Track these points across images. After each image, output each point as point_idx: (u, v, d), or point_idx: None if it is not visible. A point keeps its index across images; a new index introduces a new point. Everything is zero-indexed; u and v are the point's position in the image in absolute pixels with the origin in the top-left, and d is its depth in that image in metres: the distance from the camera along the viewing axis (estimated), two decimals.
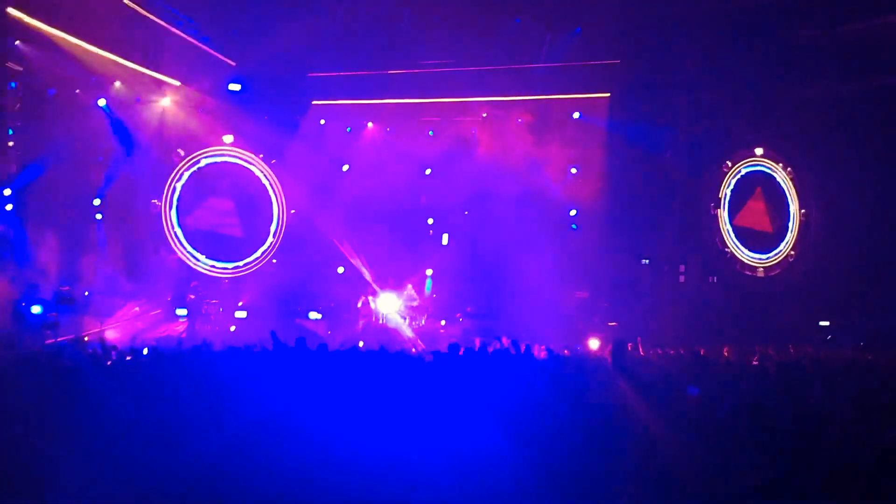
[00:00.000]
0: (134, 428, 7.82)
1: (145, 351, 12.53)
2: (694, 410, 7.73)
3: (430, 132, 22.76)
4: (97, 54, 18.42)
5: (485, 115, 22.37)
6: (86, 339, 16.29)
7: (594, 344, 18.10)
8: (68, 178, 19.00)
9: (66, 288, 17.40)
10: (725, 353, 15.44)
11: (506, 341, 12.41)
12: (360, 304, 21.05)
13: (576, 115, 22.01)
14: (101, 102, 19.48)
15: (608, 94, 21.55)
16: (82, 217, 19.47)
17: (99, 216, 19.65)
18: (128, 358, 10.98)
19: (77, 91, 19.21)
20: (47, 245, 18.09)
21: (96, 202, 19.66)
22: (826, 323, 20.19)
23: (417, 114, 22.60)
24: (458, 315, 21.27)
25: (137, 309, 19.58)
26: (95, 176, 19.86)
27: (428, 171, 22.55)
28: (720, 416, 7.35)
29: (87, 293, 18.57)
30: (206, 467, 7.08)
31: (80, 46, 18.03)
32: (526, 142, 22.08)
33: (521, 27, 19.71)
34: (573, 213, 22.07)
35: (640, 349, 13.69)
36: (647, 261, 21.95)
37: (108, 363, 10.55)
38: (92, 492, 6.98)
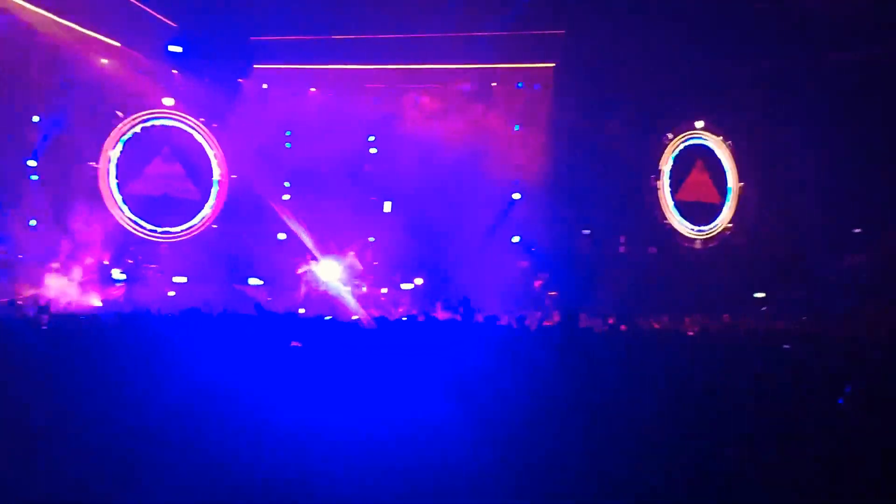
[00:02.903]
0: (70, 394, 7.72)
1: (82, 315, 12.38)
2: (633, 381, 7.85)
3: (374, 99, 22.62)
4: (33, 11, 18.00)
5: (429, 82, 22.30)
6: (20, 302, 16.06)
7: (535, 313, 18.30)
8: (2, 137, 18.58)
9: (1, 250, 17.09)
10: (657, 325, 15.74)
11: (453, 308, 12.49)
12: (301, 271, 20.93)
13: (519, 84, 22.05)
14: (38, 62, 19.02)
15: (553, 65, 21.60)
16: (17, 179, 19.07)
17: (34, 178, 19.24)
18: (64, 321, 10.82)
19: (12, 50, 18.71)
20: None
21: (31, 163, 19.25)
22: (761, 295, 20.52)
23: (362, 80, 22.45)
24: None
25: (73, 273, 19.24)
26: (31, 137, 19.42)
27: (371, 139, 22.47)
28: (660, 386, 7.48)
29: (21, 256, 18.24)
30: (145, 436, 7.01)
31: (15, 3, 17.59)
32: (469, 110, 22.07)
33: None
34: (515, 182, 22.13)
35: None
36: (588, 231, 22.10)
37: (44, 327, 10.40)
38: (25, 460, 6.87)
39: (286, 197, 21.89)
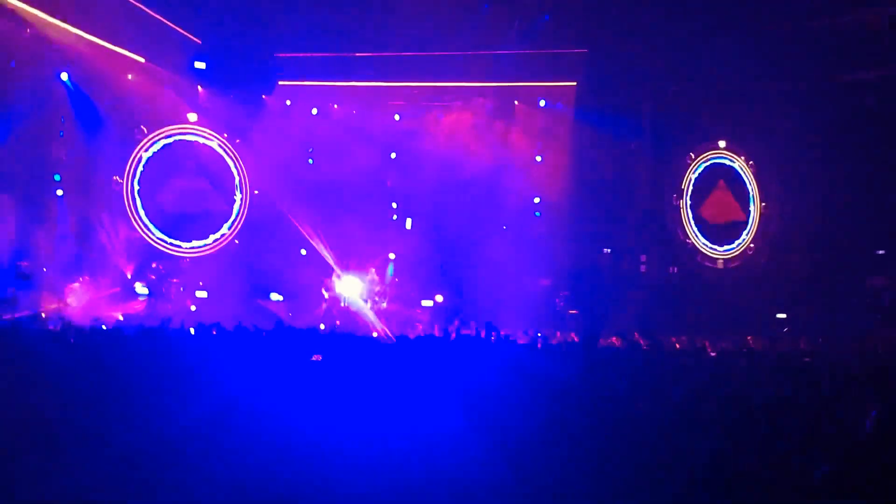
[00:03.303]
0: (92, 406, 7.77)
1: (105, 328, 12.46)
2: (652, 400, 7.82)
3: (397, 116, 22.70)
4: (60, 28, 18.17)
5: (451, 100, 22.37)
6: (44, 315, 16.17)
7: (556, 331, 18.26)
8: (29, 152, 18.73)
9: (25, 263, 17.22)
10: (677, 346, 15.66)
11: (472, 327, 12.48)
12: (322, 287, 20.99)
13: (542, 102, 22.10)
14: (64, 76, 19.22)
15: (575, 83, 21.63)
16: (42, 192, 19.20)
17: (60, 192, 19.40)
18: (86, 335, 10.89)
19: (39, 65, 18.90)
20: (5, 220, 17.88)
21: (57, 178, 19.41)
22: (783, 315, 20.42)
23: (384, 97, 22.54)
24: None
25: (96, 286, 19.37)
26: (56, 151, 19.58)
27: (393, 156, 22.54)
28: (689, 407, 7.45)
29: (45, 269, 18.37)
30: (167, 447, 7.05)
31: (42, 19, 17.78)
32: (492, 128, 22.13)
33: (489, 13, 19.72)
34: (537, 200, 22.15)
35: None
36: (609, 250, 22.07)
37: (67, 340, 10.46)
38: (49, 470, 6.92)
39: (308, 212, 21.93)
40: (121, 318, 18.50)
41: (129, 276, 19.86)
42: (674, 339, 15.82)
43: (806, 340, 17.02)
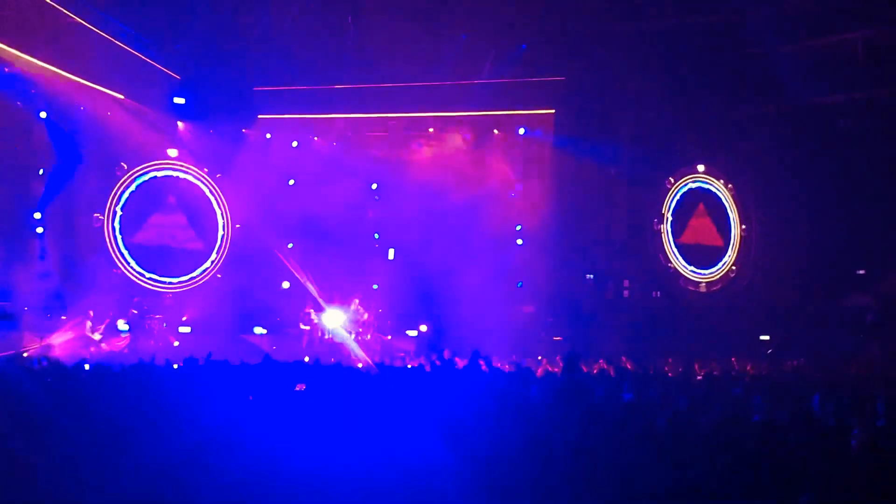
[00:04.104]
0: (75, 446, 7.72)
1: (87, 367, 12.37)
2: (640, 424, 7.83)
3: (377, 147, 22.75)
4: (39, 66, 18.18)
5: (431, 129, 22.46)
6: (25, 354, 16.05)
7: (539, 358, 18.26)
8: (8, 190, 18.70)
9: (5, 303, 17.12)
10: (667, 368, 15.71)
11: (449, 356, 12.46)
12: (305, 320, 20.93)
13: (521, 131, 22.20)
14: (43, 115, 19.19)
15: (553, 111, 21.74)
16: (22, 230, 19.13)
17: (40, 230, 19.32)
18: (68, 373, 10.82)
19: (18, 103, 18.88)
20: None
21: (37, 216, 19.32)
22: (766, 337, 20.50)
23: (364, 129, 22.63)
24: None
25: (78, 324, 19.24)
26: (36, 189, 19.51)
27: (374, 186, 22.58)
28: (674, 431, 7.46)
29: (26, 308, 18.26)
30: (151, 484, 7.01)
31: (21, 57, 17.78)
32: (471, 157, 22.22)
33: (466, 43, 19.87)
34: (518, 227, 22.19)
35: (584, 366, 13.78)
36: (592, 276, 22.13)
37: (49, 380, 10.39)
38: None
39: (290, 245, 21.92)
40: (103, 354, 18.38)
41: (111, 313, 19.70)
42: (658, 365, 15.88)
43: (789, 361, 17.12)
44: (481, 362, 12.01)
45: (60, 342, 18.42)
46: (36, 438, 7.78)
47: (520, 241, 22.26)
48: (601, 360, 16.00)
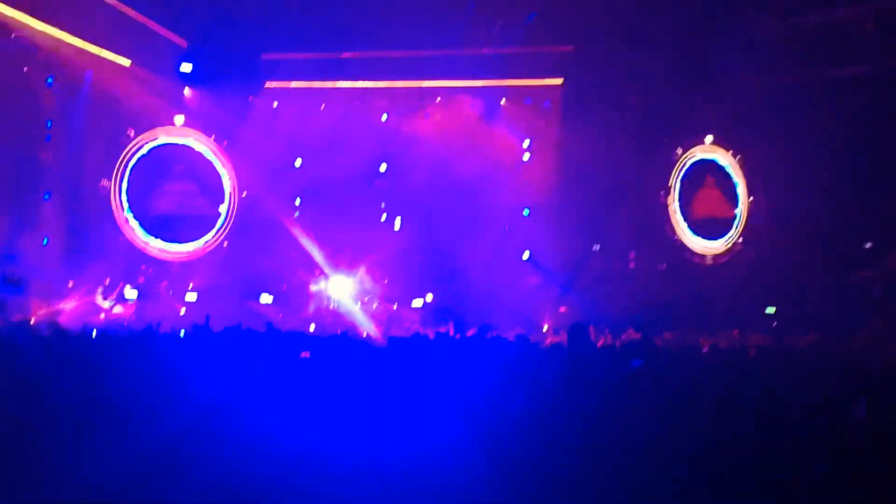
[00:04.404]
0: (81, 411, 7.75)
1: (93, 333, 12.41)
2: (646, 395, 7.83)
3: (384, 116, 22.67)
4: (45, 31, 18.12)
5: (438, 99, 22.37)
6: (32, 321, 16.11)
7: (545, 328, 18.28)
8: (15, 156, 18.68)
9: (12, 269, 17.16)
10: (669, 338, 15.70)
11: (451, 326, 12.48)
12: (311, 288, 20.97)
13: (528, 101, 22.11)
14: (49, 81, 19.16)
15: (561, 81, 21.64)
16: (29, 196, 19.14)
17: (46, 196, 19.33)
18: (75, 339, 10.85)
19: (24, 69, 18.84)
20: None
21: (43, 182, 19.33)
22: (772, 310, 20.46)
23: (371, 98, 22.54)
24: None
25: (85, 290, 19.31)
26: (43, 155, 19.51)
27: (383, 168, 22.47)
28: (676, 402, 7.46)
29: (32, 274, 18.30)
30: (157, 452, 7.04)
31: (27, 23, 17.72)
32: (479, 127, 22.14)
33: (475, 12, 19.74)
34: (525, 204, 22.16)
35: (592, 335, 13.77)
36: (598, 247, 22.07)
37: (56, 345, 10.42)
38: (37, 474, 6.90)
39: (297, 214, 21.91)
40: (110, 321, 18.46)
41: (117, 280, 19.76)
42: (664, 337, 15.87)
43: (795, 334, 17.08)
44: (486, 332, 12.04)
45: (67, 308, 18.50)
46: (42, 404, 7.81)
47: (526, 212, 22.23)
48: (606, 332, 16.03)
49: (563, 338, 13.85)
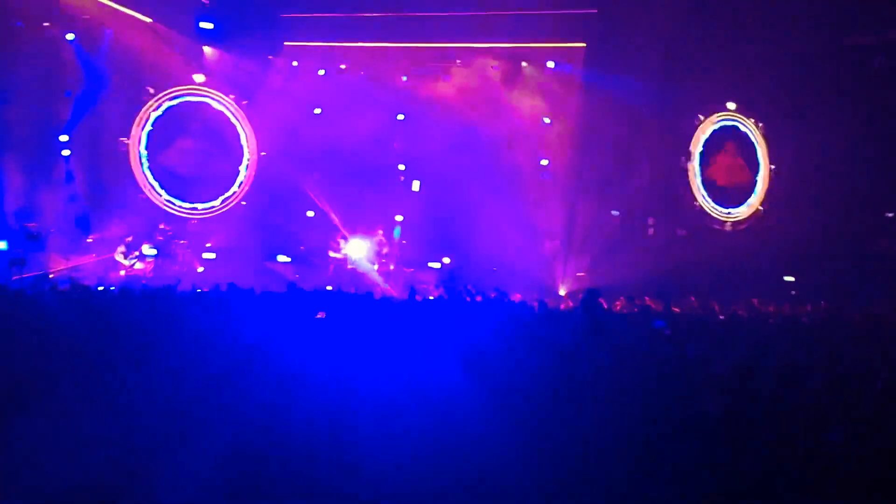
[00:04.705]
0: (102, 366, 7.80)
1: (112, 289, 12.48)
2: (662, 361, 7.82)
3: (404, 77, 22.55)
4: None
5: (458, 61, 22.22)
6: (52, 276, 16.22)
7: (562, 292, 18.27)
8: (35, 113, 18.70)
9: (33, 224, 17.25)
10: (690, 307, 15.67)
11: (469, 289, 12.49)
12: (334, 248, 21.02)
13: (550, 64, 21.95)
14: (70, 37, 19.15)
15: (584, 45, 21.45)
16: (49, 153, 19.20)
17: (66, 152, 19.38)
18: (94, 296, 10.92)
19: (45, 24, 18.83)
20: (13, 181, 17.91)
21: (63, 138, 19.37)
22: (790, 278, 20.38)
23: (391, 58, 22.39)
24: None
25: (104, 247, 19.40)
26: (63, 112, 19.52)
27: (401, 117, 22.38)
28: (689, 368, 7.45)
29: (52, 230, 18.40)
30: (176, 409, 7.10)
31: None
32: (500, 90, 21.99)
33: None
34: (545, 162, 22.05)
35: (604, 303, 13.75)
36: (617, 212, 21.98)
37: (75, 301, 10.49)
38: (58, 428, 6.96)
39: (315, 174, 21.88)
40: (129, 278, 18.57)
41: (136, 238, 19.80)
42: (681, 304, 15.84)
43: (814, 303, 17.03)
44: (501, 296, 12.04)
45: (86, 264, 18.60)
46: (61, 358, 7.86)
47: (546, 171, 22.11)
48: (622, 298, 16.01)
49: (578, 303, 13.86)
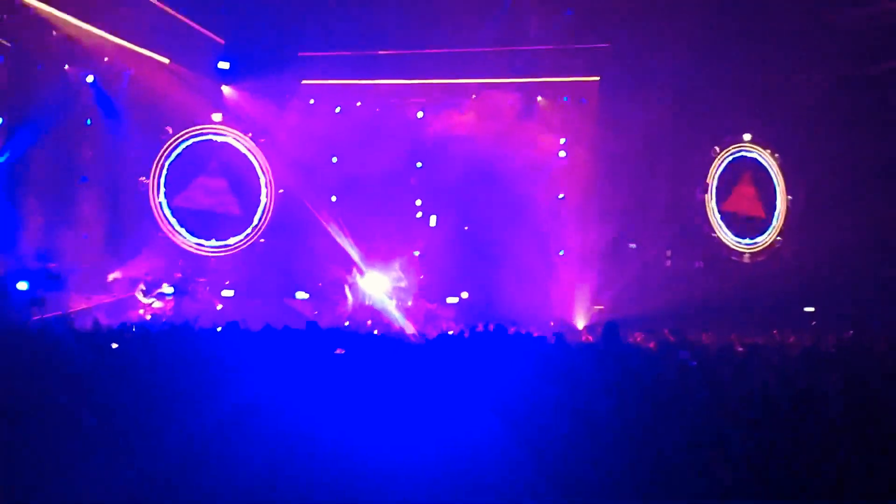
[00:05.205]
0: (121, 405, 7.82)
1: (133, 328, 12.53)
2: (679, 394, 7.78)
3: (420, 113, 22.68)
4: (86, 30, 18.30)
5: (474, 96, 22.34)
6: (72, 315, 16.29)
7: (580, 326, 18.21)
8: (56, 154, 18.88)
9: (54, 265, 17.36)
10: (706, 340, 15.57)
11: (486, 325, 12.48)
12: (347, 285, 21.05)
13: (564, 98, 22.06)
14: (90, 79, 19.38)
15: (598, 78, 21.54)
16: (69, 193, 19.35)
17: (86, 192, 19.55)
18: (114, 339, 10.95)
19: (65, 66, 19.07)
20: (34, 221, 18.04)
21: (83, 179, 19.55)
22: (810, 309, 20.28)
23: (407, 95, 22.54)
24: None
25: (123, 286, 19.49)
26: (83, 152, 19.74)
27: (419, 164, 22.49)
28: (707, 400, 7.41)
29: (72, 270, 18.50)
30: (194, 447, 7.09)
31: (68, 21, 17.91)
32: (514, 124, 22.07)
33: (512, 9, 19.69)
34: (561, 196, 22.08)
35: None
36: (634, 245, 21.96)
37: (94, 340, 10.53)
38: (76, 469, 6.97)
39: (333, 211, 21.99)
40: (147, 316, 18.65)
41: (155, 276, 19.91)
42: (700, 336, 15.76)
43: (834, 334, 16.91)
44: (520, 331, 12.01)
45: (106, 304, 18.69)
46: (80, 398, 7.89)
47: (562, 199, 22.12)
48: (641, 332, 15.94)
49: (597, 336, 13.82)
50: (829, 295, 19.89)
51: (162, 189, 20.66)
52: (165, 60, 20.18)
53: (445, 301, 21.45)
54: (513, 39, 20.39)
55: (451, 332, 15.18)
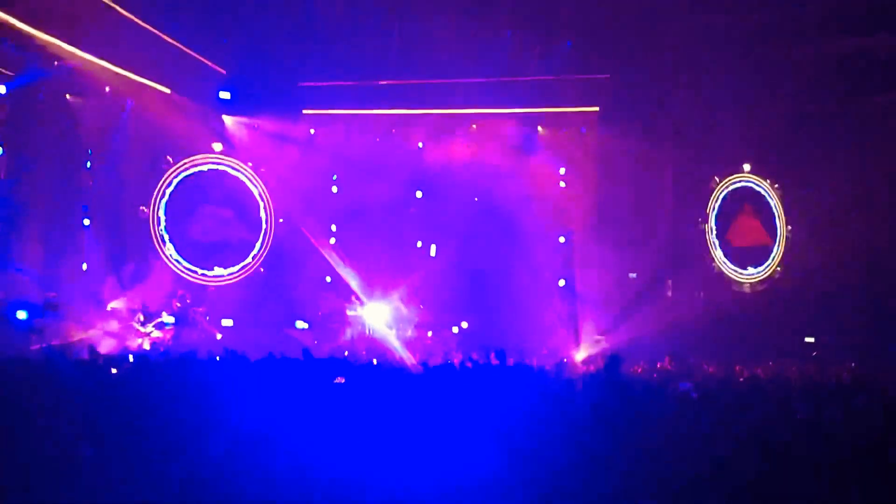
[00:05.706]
0: (120, 435, 7.78)
1: (131, 358, 12.48)
2: (683, 425, 7.74)
3: (420, 143, 22.72)
4: (87, 60, 18.35)
5: (474, 126, 22.38)
6: (71, 345, 16.23)
7: (581, 357, 18.16)
8: (56, 183, 18.92)
9: (53, 294, 17.32)
10: (709, 370, 15.53)
11: (485, 355, 12.43)
12: (347, 314, 21.01)
13: (564, 128, 22.12)
14: (91, 108, 19.41)
15: (597, 109, 21.59)
16: (69, 222, 19.37)
17: (86, 221, 19.56)
18: (113, 368, 10.91)
19: (66, 96, 19.13)
20: (33, 250, 18.03)
21: (84, 208, 19.57)
22: (811, 339, 20.23)
23: (407, 125, 22.58)
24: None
25: (123, 315, 19.43)
26: (83, 181, 19.76)
27: (419, 194, 22.51)
28: (708, 432, 7.38)
29: (72, 299, 18.45)
30: (193, 477, 7.05)
31: (69, 52, 17.96)
32: (515, 154, 22.10)
33: (512, 40, 19.78)
34: (562, 240, 22.09)
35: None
36: (635, 275, 21.94)
37: (93, 370, 10.48)
38: (73, 499, 6.93)
39: (333, 240, 22.00)
40: (147, 346, 18.58)
41: (155, 306, 19.86)
42: (705, 366, 15.72)
43: (836, 364, 16.86)
44: (521, 362, 11.96)
45: (105, 333, 18.62)
46: (79, 428, 7.84)
47: (562, 239, 22.15)
48: (641, 362, 15.88)
49: (599, 368, 13.76)
50: (831, 325, 19.86)
51: (162, 218, 20.67)
52: (167, 90, 20.24)
53: (446, 330, 21.37)
54: (513, 70, 20.46)
55: (451, 362, 15.13)
